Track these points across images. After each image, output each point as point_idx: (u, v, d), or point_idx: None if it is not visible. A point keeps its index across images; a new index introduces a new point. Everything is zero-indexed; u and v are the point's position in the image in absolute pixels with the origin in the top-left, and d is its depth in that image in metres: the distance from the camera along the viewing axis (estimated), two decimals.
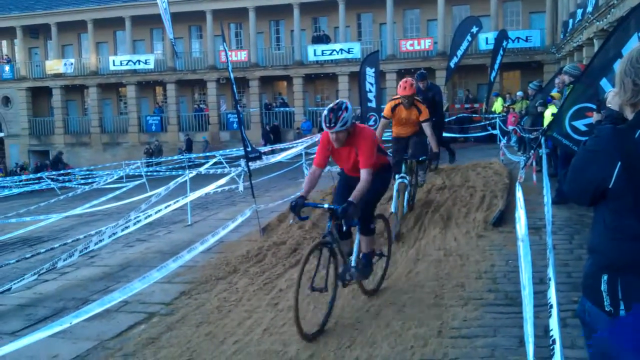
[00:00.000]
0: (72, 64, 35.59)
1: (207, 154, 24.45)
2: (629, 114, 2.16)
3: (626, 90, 2.14)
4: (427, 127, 7.86)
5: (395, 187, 7.64)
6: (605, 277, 2.07)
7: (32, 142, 37.03)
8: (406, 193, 7.94)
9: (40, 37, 37.65)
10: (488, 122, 22.73)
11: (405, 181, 7.76)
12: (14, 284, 6.62)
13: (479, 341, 4.33)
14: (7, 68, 37.29)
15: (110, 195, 12.81)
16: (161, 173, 20.17)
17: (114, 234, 8.19)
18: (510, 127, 16.88)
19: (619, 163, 1.99)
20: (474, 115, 27.11)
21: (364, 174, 4.94)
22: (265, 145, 26.10)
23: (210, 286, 6.60)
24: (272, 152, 17.64)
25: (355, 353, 4.40)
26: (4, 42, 39.36)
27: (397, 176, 7.67)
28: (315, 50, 31.62)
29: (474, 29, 25.53)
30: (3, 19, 36.21)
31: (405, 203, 7.90)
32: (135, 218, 8.86)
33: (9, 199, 20.09)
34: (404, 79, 7.73)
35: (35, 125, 37.21)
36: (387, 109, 8.02)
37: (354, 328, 4.89)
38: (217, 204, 12.76)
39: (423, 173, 8.73)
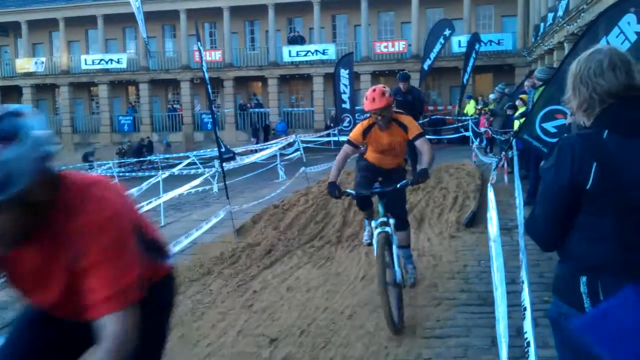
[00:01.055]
0: (43, 62, 35.05)
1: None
2: (585, 120, 2.18)
3: (579, 98, 2.16)
4: (423, 144, 5.14)
5: (375, 244, 4.95)
6: (584, 279, 2.09)
7: None
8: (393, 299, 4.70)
9: (10, 35, 37.02)
10: (460, 124, 22.94)
11: (389, 230, 4.99)
12: None
13: (452, 341, 4.38)
14: None
15: None
16: (134, 173, 19.95)
17: None
18: (483, 129, 17.08)
19: (595, 163, 2.02)
20: (446, 117, 27.36)
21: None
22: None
23: (184, 288, 6.54)
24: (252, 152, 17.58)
25: (330, 354, 4.41)
26: None
27: (373, 223, 5.18)
28: (290, 51, 31.62)
29: (447, 32, 25.77)
30: None
31: (396, 310, 4.71)
32: None
33: None
34: (372, 88, 5.12)
35: None
36: (356, 132, 5.33)
37: (328, 329, 4.90)
38: (191, 205, 12.65)
39: (412, 266, 5.86)
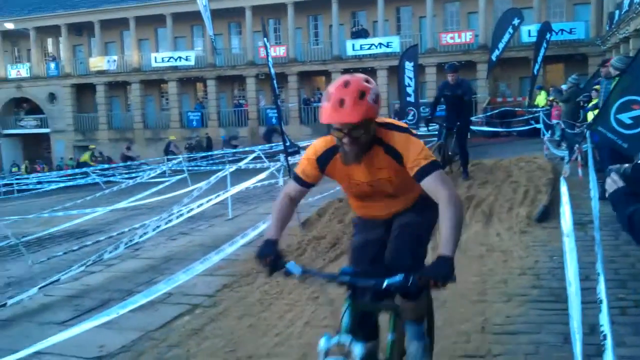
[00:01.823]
0: (115, 60, 36.31)
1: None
2: None
3: None
4: (437, 187, 2.70)
5: None
6: None
7: (76, 137, 37.91)
8: None
9: (84, 35, 38.49)
10: (531, 116, 22.31)
11: None
12: (62, 275, 6.82)
13: (523, 337, 4.28)
14: (52, 65, 38.26)
15: (154, 190, 13.06)
16: (202, 168, 20.45)
17: (157, 227, 8.37)
18: (554, 121, 16.54)
19: None
20: (516, 109, 26.64)
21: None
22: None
23: (252, 279, 6.67)
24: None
25: None
26: (50, 40, 40.36)
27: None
28: (353, 45, 31.53)
29: (516, 21, 25.06)
30: (49, 17, 37.12)
31: None
32: (178, 212, 9.03)
33: (55, 192, 20.67)
34: (340, 80, 2.70)
35: (79, 121, 38.07)
36: (307, 158, 3.00)
37: None
38: (257, 198, 12.87)
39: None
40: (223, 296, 6.21)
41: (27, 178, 25.77)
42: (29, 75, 38.28)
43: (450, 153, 10.08)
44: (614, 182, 2.52)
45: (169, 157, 23.91)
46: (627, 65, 8.82)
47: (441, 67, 30.62)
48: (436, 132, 10.56)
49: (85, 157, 29.00)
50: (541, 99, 23.38)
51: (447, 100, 10.02)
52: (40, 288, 6.46)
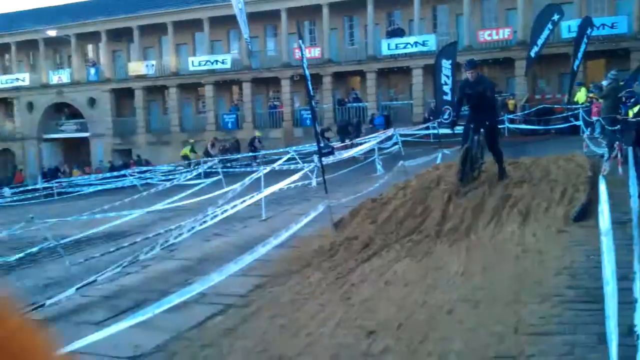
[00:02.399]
0: (153, 65, 36.95)
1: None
2: None
3: None
4: None
5: None
6: None
7: (115, 141, 38.67)
8: None
9: (123, 40, 39.23)
10: (571, 113, 21.84)
11: None
12: (99, 276, 6.95)
13: (558, 338, 4.18)
14: (92, 71, 39.17)
15: (189, 192, 13.22)
16: (237, 169, 20.63)
17: (192, 228, 8.47)
18: (594, 118, 16.15)
19: None
20: (555, 106, 26.11)
21: None
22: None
23: (284, 280, 6.69)
24: (346, 147, 17.61)
25: (428, 348, 4.34)
26: (90, 47, 41.31)
27: None
28: (389, 44, 31.35)
29: (555, 17, 24.59)
30: (89, 24, 38.01)
31: None
32: (212, 213, 9.11)
33: (93, 195, 21.12)
34: None
35: (118, 125, 38.83)
36: None
37: (426, 323, 4.82)
38: (291, 199, 12.90)
39: None
40: (255, 296, 6.24)
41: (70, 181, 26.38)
42: (69, 80, 39.24)
43: (476, 155, 9.49)
44: None
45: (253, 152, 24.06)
46: None
47: (477, 66, 30.31)
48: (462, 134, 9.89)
49: (185, 151, 28.94)
50: (581, 95, 22.90)
51: (470, 98, 9.55)
52: (77, 289, 6.59)
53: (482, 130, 9.39)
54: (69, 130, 40.71)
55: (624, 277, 4.36)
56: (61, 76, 39.64)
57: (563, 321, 4.47)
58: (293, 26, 30.28)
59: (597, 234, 5.41)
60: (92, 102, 39.10)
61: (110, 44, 38.81)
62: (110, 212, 11.66)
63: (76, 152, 40.99)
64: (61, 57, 42.36)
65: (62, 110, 41.24)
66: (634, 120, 10.89)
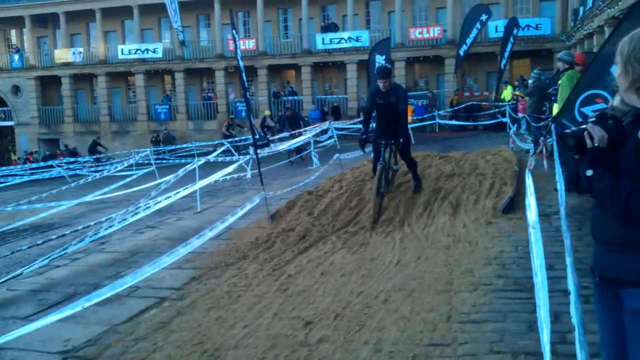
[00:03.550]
0: (80, 53, 35.67)
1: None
2: (635, 99, 2.14)
3: (632, 76, 2.13)
4: None
5: None
6: None
7: (41, 130, 37.17)
8: None
9: (49, 27, 37.71)
10: (497, 110, 22.63)
11: None
12: (26, 269, 6.67)
13: (488, 326, 4.34)
14: (16, 57, 37.45)
15: (121, 183, 12.87)
16: (170, 161, 20.24)
17: (124, 220, 8.25)
18: (520, 115, 16.81)
19: None
20: (483, 103, 27.01)
21: None
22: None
23: (220, 272, 6.64)
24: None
25: (365, 337, 4.42)
26: (13, 32, 39.45)
27: None
28: (323, 39, 31.51)
29: (483, 17, 25.37)
30: (12, 8, 36.30)
31: None
32: (145, 205, 8.91)
33: (19, 186, 20.21)
34: None
35: (44, 114, 37.34)
36: None
37: (362, 313, 4.91)
38: (226, 191, 12.78)
39: None
40: (191, 289, 6.16)
41: None
42: None
43: (391, 167, 8.75)
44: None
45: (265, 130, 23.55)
46: (572, 58, 9.07)
47: (410, 62, 30.97)
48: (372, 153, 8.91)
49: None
50: (507, 93, 23.74)
51: (380, 110, 8.54)
52: (2, 282, 6.32)
53: (393, 146, 8.59)
54: None
55: (551, 267, 4.59)
56: None
57: (493, 309, 4.64)
58: (227, 17, 29.87)
59: (524, 225, 5.65)
60: (16, 89, 37.41)
61: (35, 30, 37.13)
62: (37, 203, 11.20)
63: (0, 141, 39.19)
64: None
65: None
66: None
